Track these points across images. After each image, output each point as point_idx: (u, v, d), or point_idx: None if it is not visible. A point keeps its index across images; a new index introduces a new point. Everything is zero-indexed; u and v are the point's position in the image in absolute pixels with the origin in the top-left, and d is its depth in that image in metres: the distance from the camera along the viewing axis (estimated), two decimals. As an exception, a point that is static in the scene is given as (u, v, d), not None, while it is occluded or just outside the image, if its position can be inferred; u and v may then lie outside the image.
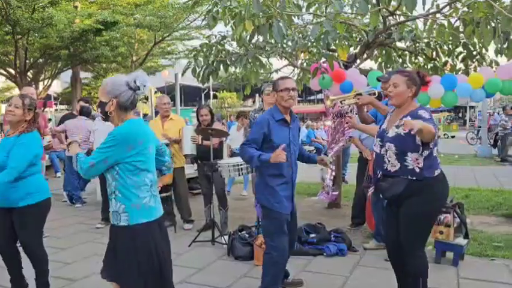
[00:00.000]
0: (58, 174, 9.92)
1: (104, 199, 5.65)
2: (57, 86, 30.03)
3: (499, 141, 13.06)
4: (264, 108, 5.07)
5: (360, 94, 3.79)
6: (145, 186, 2.34)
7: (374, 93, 4.06)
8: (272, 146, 2.98)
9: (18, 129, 3.04)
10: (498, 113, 15.46)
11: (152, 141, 2.45)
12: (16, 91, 19.23)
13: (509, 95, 5.12)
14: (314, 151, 13.42)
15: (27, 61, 15.28)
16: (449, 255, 4.03)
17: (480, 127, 19.54)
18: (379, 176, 2.95)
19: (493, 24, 4.60)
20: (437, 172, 2.82)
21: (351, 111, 4.98)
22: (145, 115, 18.04)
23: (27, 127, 3.06)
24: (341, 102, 4.61)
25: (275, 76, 7.31)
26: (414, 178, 2.76)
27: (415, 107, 2.86)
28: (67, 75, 20.78)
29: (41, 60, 16.08)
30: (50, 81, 19.26)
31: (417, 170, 2.76)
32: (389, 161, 2.83)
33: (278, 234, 3.05)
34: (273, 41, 5.40)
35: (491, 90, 4.81)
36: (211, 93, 35.72)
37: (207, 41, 5.92)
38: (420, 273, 2.90)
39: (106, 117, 2.36)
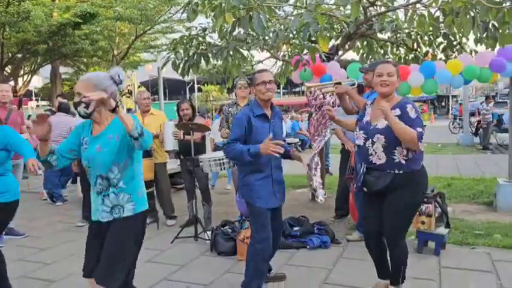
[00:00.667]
0: (40, 172, 9.72)
1: (85, 197, 5.54)
2: (38, 82, 29.44)
3: (481, 129, 13.27)
4: (237, 102, 5.02)
5: (339, 83, 3.77)
6: (142, 175, 2.42)
7: (354, 84, 4.05)
8: (255, 142, 2.94)
9: None
10: (481, 103, 15.77)
11: None
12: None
13: (485, 82, 5.17)
14: (299, 143, 13.42)
15: (4, 56, 14.87)
16: (431, 244, 4.06)
17: (456, 116, 19.89)
18: (363, 169, 2.94)
19: (472, 14, 4.61)
20: (420, 165, 2.88)
21: (333, 103, 4.95)
22: (128, 109, 17.80)
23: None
24: (320, 90, 4.59)
25: (257, 68, 7.27)
26: (400, 171, 2.79)
27: (398, 99, 2.88)
28: (47, 70, 20.34)
29: (18, 55, 15.68)
30: (29, 76, 18.84)
31: (403, 162, 2.78)
32: (375, 153, 2.83)
33: (261, 228, 3.05)
34: (254, 33, 5.34)
35: (468, 76, 4.86)
36: (196, 86, 35.47)
37: (187, 34, 5.82)
38: (401, 262, 2.97)
39: (90, 113, 2.18)
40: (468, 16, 4.61)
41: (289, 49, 6.65)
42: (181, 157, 5.17)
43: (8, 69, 16.54)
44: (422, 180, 2.90)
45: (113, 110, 2.09)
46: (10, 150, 3.10)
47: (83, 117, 2.18)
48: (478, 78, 4.91)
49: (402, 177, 2.79)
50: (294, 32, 5.55)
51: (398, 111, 2.77)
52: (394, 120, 2.69)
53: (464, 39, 5.73)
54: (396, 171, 2.79)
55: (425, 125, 2.89)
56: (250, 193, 3.07)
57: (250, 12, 4.61)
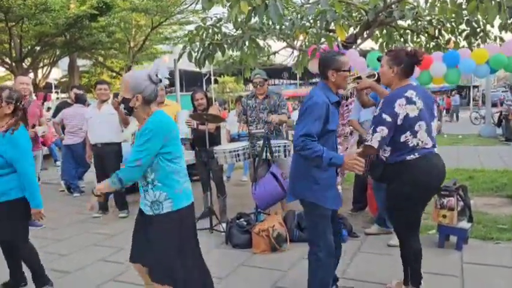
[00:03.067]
0: (58, 163, 9.84)
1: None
2: (57, 74, 29.81)
3: (503, 120, 12.87)
4: (256, 95, 4.93)
5: (359, 78, 3.65)
6: (183, 171, 2.43)
7: (374, 75, 3.91)
8: (326, 132, 2.58)
9: (3, 125, 2.89)
10: (502, 92, 15.36)
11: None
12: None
13: None
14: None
15: (23, 49, 15.07)
16: (453, 239, 3.93)
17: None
18: (373, 158, 2.89)
19: (497, -1, 4.41)
20: (410, 157, 2.68)
21: (351, 94, 4.82)
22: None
23: (15, 122, 2.91)
24: None
25: (273, 59, 7.15)
26: (388, 163, 2.77)
27: (393, 91, 2.76)
28: (65, 63, 20.58)
29: (37, 48, 15.87)
30: (48, 69, 19.08)
31: (387, 154, 2.76)
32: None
33: (324, 233, 2.68)
34: (270, 22, 5.23)
35: (496, 66, 4.66)
36: (212, 78, 35.45)
37: (202, 24, 5.74)
38: (406, 262, 2.91)
39: (130, 112, 2.35)
40: (493, 1, 4.42)
41: (306, 39, 6.51)
42: (196, 148, 5.13)
43: (27, 61, 16.76)
44: (409, 172, 2.68)
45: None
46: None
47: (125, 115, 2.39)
48: (505, 68, 4.70)
49: (389, 169, 2.76)
50: (311, 21, 5.42)
51: (380, 104, 2.75)
52: (359, 156, 2.59)
53: (488, 26, 5.51)
54: (382, 164, 2.80)
55: (420, 109, 2.68)
56: (318, 191, 2.64)
57: (266, 1, 4.51)
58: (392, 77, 2.76)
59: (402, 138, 2.66)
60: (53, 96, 32.68)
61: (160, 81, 2.36)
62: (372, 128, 2.67)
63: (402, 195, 2.74)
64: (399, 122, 2.62)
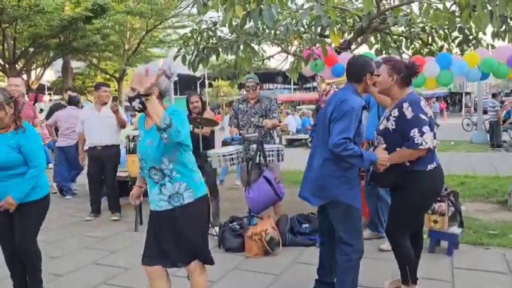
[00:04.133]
0: (50, 165, 9.76)
1: (92, 191, 5.54)
2: (50, 76, 29.66)
3: (493, 126, 12.96)
4: (248, 99, 4.95)
5: None
6: (196, 162, 2.48)
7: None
8: (356, 135, 2.64)
9: (10, 126, 2.87)
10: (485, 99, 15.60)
11: None
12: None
13: (502, 78, 5.02)
14: (310, 139, 13.33)
15: (16, 51, 14.99)
16: (444, 244, 3.96)
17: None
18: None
19: (489, 7, 4.48)
20: (430, 166, 2.75)
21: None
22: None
23: (19, 120, 2.90)
24: (336, 86, 4.51)
25: (268, 63, 7.19)
26: (405, 171, 2.75)
27: (403, 96, 2.79)
28: (59, 64, 20.49)
29: (30, 49, 15.79)
30: (42, 70, 18.97)
31: (408, 163, 2.74)
32: None
33: (357, 234, 2.76)
34: (264, 27, 5.26)
35: (485, 69, 4.74)
36: (206, 82, 35.48)
37: (197, 27, 5.76)
38: (404, 262, 2.94)
39: (145, 107, 2.17)
40: (485, 10, 4.48)
41: (301, 44, 6.55)
42: (190, 152, 5.13)
43: (20, 63, 16.66)
44: (426, 182, 2.76)
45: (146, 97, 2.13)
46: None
47: (137, 111, 2.21)
48: (494, 73, 4.78)
49: (405, 177, 2.75)
50: (305, 26, 5.45)
51: (396, 112, 2.74)
52: (392, 159, 2.70)
53: (480, 34, 5.59)
54: (400, 172, 2.76)
55: (430, 116, 2.75)
56: (351, 191, 2.68)
57: (261, 6, 4.53)
58: (392, 84, 2.79)
59: (431, 135, 2.70)
60: (46, 98, 32.55)
61: (172, 75, 2.36)
62: (416, 131, 2.63)
63: (417, 203, 2.81)
64: (429, 120, 2.70)
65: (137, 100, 2.12)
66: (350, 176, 2.70)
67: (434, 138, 2.77)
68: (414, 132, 2.63)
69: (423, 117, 2.66)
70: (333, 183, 2.68)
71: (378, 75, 2.83)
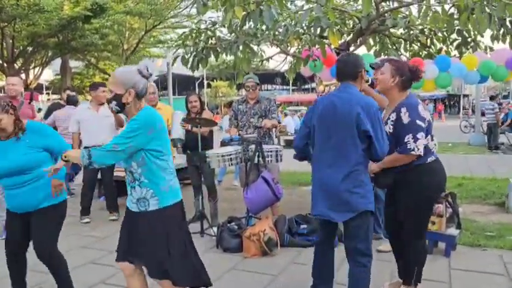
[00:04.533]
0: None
1: (86, 194, 5.51)
2: (49, 75, 29.61)
3: (491, 129, 12.98)
4: (247, 99, 4.95)
5: None
6: (170, 168, 2.40)
7: (367, 81, 3.97)
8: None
9: (16, 129, 2.81)
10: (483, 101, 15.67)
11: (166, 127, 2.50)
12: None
13: (500, 80, 5.04)
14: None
15: (15, 50, 14.96)
16: (441, 245, 3.98)
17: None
18: None
19: (488, 10, 4.49)
20: (430, 159, 2.79)
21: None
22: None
23: (23, 121, 2.86)
24: (335, 88, 4.52)
25: (267, 64, 7.19)
26: (405, 168, 2.74)
27: (402, 99, 2.80)
28: (58, 63, 20.45)
29: (29, 48, 15.76)
30: (40, 70, 18.93)
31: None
32: None
33: (371, 241, 2.73)
34: (264, 28, 5.27)
35: (484, 72, 4.76)
36: (205, 82, 35.49)
37: (196, 27, 5.76)
38: (414, 262, 2.91)
39: (122, 109, 2.32)
40: (484, 13, 4.50)
41: (300, 45, 6.56)
42: (188, 152, 5.13)
43: (18, 62, 16.63)
44: (430, 175, 2.79)
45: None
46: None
47: (114, 112, 2.32)
48: (493, 75, 4.79)
49: (407, 174, 2.75)
50: (305, 27, 5.46)
51: (394, 116, 2.76)
52: (384, 163, 2.72)
53: (478, 37, 5.61)
54: (400, 168, 2.75)
55: (428, 120, 2.78)
56: (372, 198, 2.65)
57: (261, 6, 4.54)
58: (392, 86, 2.81)
59: (425, 142, 2.73)
60: (45, 97, 32.47)
61: (151, 75, 2.35)
62: (410, 137, 2.65)
63: (425, 197, 2.81)
64: (426, 125, 2.71)
65: (114, 102, 2.24)
66: (368, 181, 2.66)
67: (432, 140, 2.80)
68: (409, 137, 2.66)
69: (420, 123, 2.68)
70: (361, 194, 2.57)
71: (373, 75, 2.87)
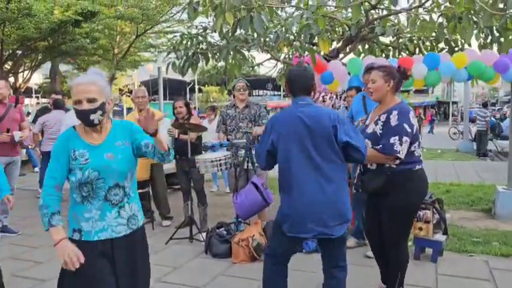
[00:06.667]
0: (36, 169, 9.67)
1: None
2: (38, 79, 29.34)
3: (480, 136, 13.15)
4: (236, 104, 4.97)
5: None
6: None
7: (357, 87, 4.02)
8: None
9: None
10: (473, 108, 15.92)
11: None
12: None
13: (487, 81, 5.09)
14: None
15: (4, 53, 14.79)
16: (428, 251, 4.01)
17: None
18: (359, 170, 2.97)
19: (475, 19, 4.58)
20: (418, 167, 2.83)
21: (332, 106, 4.91)
22: (129, 109, 17.71)
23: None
24: (325, 94, 4.55)
25: (258, 70, 7.23)
26: (393, 173, 2.78)
27: (395, 103, 2.83)
28: (48, 67, 20.27)
29: (18, 52, 15.59)
30: (29, 73, 18.74)
31: (394, 166, 2.78)
32: None
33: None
34: (255, 34, 5.30)
35: (473, 71, 4.78)
36: (196, 87, 35.42)
37: (187, 32, 5.78)
38: (397, 267, 2.94)
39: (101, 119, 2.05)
40: (471, 22, 4.58)
41: (290, 51, 6.61)
42: (177, 157, 5.12)
43: (7, 65, 16.45)
44: (416, 182, 2.83)
45: (154, 134, 2.07)
46: None
47: (94, 125, 2.00)
48: (481, 76, 4.82)
49: (395, 179, 2.77)
50: (295, 34, 5.51)
51: (384, 117, 2.79)
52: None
53: (466, 45, 5.70)
54: (389, 173, 2.78)
55: (417, 128, 2.82)
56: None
57: (251, 13, 4.57)
58: (388, 91, 2.84)
59: (412, 148, 2.76)
60: (34, 101, 32.13)
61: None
62: (397, 139, 2.68)
63: (409, 204, 2.85)
64: (414, 132, 2.74)
65: (99, 112, 1.98)
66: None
67: (419, 147, 2.84)
68: (395, 139, 2.68)
69: (407, 128, 2.71)
70: (348, 203, 2.56)
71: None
